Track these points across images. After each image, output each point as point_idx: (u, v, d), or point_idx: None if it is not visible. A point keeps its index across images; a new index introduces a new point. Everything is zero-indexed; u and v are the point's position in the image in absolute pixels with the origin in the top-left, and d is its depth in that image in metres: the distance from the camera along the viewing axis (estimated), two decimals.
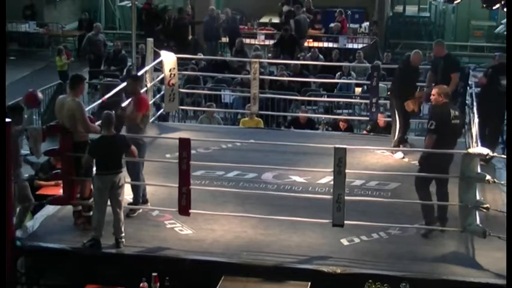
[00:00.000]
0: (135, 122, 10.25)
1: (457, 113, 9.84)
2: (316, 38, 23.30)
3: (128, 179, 10.03)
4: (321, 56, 20.85)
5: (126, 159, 9.87)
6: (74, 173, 9.88)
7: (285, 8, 24.31)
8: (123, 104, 10.95)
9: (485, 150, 9.30)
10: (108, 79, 18.99)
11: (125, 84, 11.70)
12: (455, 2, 16.20)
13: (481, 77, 12.82)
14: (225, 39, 23.05)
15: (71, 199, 9.98)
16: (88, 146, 9.71)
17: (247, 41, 23.35)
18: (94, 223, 9.53)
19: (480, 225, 9.35)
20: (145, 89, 13.50)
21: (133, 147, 9.67)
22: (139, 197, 10.37)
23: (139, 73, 13.31)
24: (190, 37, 23.53)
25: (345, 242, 9.66)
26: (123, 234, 9.49)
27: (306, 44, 22.53)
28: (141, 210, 10.34)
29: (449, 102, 9.93)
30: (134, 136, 10.15)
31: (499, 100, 12.25)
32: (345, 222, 9.40)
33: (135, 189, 10.34)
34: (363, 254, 9.41)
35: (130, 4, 19.85)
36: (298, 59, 20.31)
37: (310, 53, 21.11)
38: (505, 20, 26.10)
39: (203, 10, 23.85)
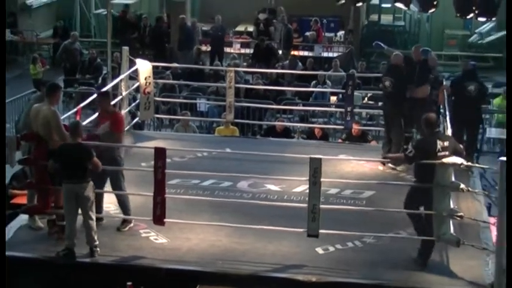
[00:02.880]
0: (111, 141, 10.18)
1: (446, 143, 9.37)
2: (293, 47, 23.38)
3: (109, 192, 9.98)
4: (300, 64, 20.93)
5: (110, 170, 9.81)
6: (49, 181, 9.82)
7: (262, 16, 24.39)
8: (90, 119, 10.88)
9: (459, 160, 9.33)
10: (83, 87, 18.95)
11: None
12: (430, 11, 16.26)
13: (447, 87, 12.89)
14: (205, 48, 23.06)
15: (45, 208, 9.92)
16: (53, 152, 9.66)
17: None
18: (66, 232, 9.48)
19: (454, 234, 9.40)
20: (120, 97, 13.48)
21: (95, 159, 9.54)
22: (129, 210, 10.30)
23: (111, 84, 13.31)
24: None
25: (320, 250, 9.67)
26: (97, 243, 9.46)
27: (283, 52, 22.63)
28: (132, 224, 10.27)
29: (438, 131, 9.64)
30: (111, 149, 10.10)
31: (470, 106, 12.38)
32: (320, 231, 9.41)
33: (122, 203, 10.28)
34: (337, 262, 9.43)
35: (105, 12, 19.83)
36: (275, 68, 20.37)
37: (288, 61, 21.19)
38: (479, 29, 26.43)
39: (178, 18, 23.85)
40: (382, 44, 12.89)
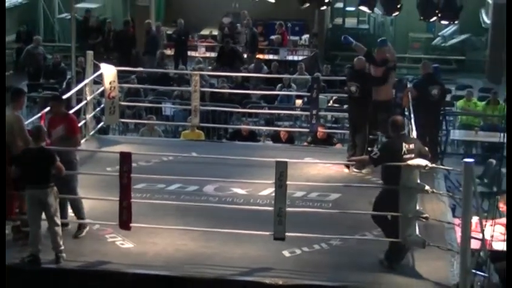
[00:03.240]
0: (69, 145, 10.10)
1: (412, 146, 9.40)
2: (258, 50, 23.42)
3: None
4: (265, 67, 20.97)
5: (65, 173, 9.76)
6: (12, 187, 9.73)
7: (226, 20, 24.40)
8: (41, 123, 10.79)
9: (424, 162, 9.40)
10: (47, 92, 18.81)
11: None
12: (394, 14, 16.36)
13: (411, 89, 12.98)
14: (170, 52, 23.01)
15: (9, 214, 9.83)
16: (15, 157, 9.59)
17: (188, 53, 23.41)
18: (30, 238, 9.41)
19: (420, 235, 9.47)
20: (84, 102, 13.41)
21: (59, 163, 9.47)
22: (83, 214, 10.22)
23: (75, 89, 13.24)
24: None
25: (286, 253, 9.69)
26: (62, 248, 9.39)
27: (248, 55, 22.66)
28: (87, 228, 10.19)
29: (403, 134, 9.68)
30: (67, 152, 10.01)
31: (433, 109, 12.51)
32: (287, 234, 9.43)
33: (75, 207, 10.21)
34: (304, 265, 9.45)
35: (69, 16, 19.71)
36: (240, 71, 20.39)
37: (253, 64, 21.22)
38: (442, 32, 26.67)
39: (143, 23, 23.79)
40: (350, 39, 12.91)
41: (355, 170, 12.27)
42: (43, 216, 9.43)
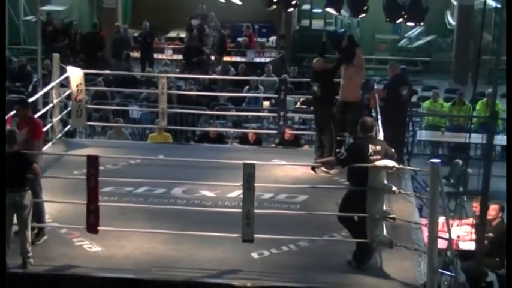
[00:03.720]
0: (31, 148, 10.00)
1: (378, 147, 9.42)
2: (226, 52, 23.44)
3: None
4: (232, 69, 20.98)
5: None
6: None
7: (195, 22, 24.38)
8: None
9: (391, 163, 9.45)
10: (13, 95, 18.63)
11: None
12: (360, 16, 16.45)
13: (380, 91, 13.05)
14: (137, 54, 22.94)
15: None
16: None
17: (155, 55, 23.36)
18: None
19: (387, 236, 9.52)
20: (51, 105, 13.32)
21: (36, 166, 9.44)
22: (44, 220, 10.10)
23: (42, 92, 13.13)
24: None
25: (255, 255, 9.69)
26: (31, 254, 9.31)
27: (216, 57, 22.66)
28: (46, 237, 10.05)
29: (370, 135, 9.65)
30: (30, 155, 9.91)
31: (402, 110, 12.60)
32: (255, 236, 9.44)
33: (37, 212, 10.07)
34: (273, 266, 9.46)
35: (35, 19, 19.57)
36: (208, 73, 20.39)
37: (220, 67, 21.22)
38: (408, 33, 26.88)
39: (110, 25, 23.71)
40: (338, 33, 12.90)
41: (325, 170, 12.31)
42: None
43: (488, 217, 11.01)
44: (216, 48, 22.82)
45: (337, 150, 11.86)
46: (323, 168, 12.32)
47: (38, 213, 10.01)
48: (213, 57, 22.68)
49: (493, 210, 11.18)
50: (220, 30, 23.15)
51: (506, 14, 10.28)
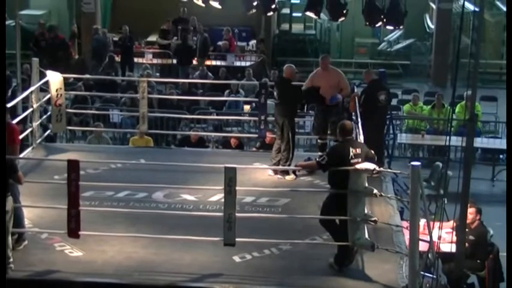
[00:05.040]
0: (8, 154, 9.90)
1: (358, 150, 9.47)
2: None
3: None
4: (210, 74, 20.97)
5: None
6: None
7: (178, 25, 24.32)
8: None
9: (371, 166, 9.48)
10: None
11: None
12: (340, 20, 16.50)
13: (359, 95, 13.08)
14: (117, 58, 22.87)
15: None
16: None
17: (135, 59, 23.31)
18: None
19: (368, 238, 9.55)
20: (31, 109, 13.27)
21: (20, 173, 9.38)
22: (23, 226, 10.02)
23: (21, 96, 13.06)
24: (77, 56, 23.26)
25: (237, 259, 9.70)
26: (11, 260, 9.24)
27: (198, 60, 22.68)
28: (26, 242, 9.99)
29: (351, 139, 9.70)
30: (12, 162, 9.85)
31: (380, 114, 12.66)
32: (237, 239, 9.44)
33: (17, 216, 9.97)
34: (255, 270, 9.47)
35: (14, 23, 19.45)
36: (187, 78, 20.39)
37: (199, 71, 21.21)
38: (387, 37, 26.99)
39: (90, 30, 23.64)
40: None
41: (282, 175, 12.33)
42: None
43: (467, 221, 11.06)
44: (198, 51, 22.77)
45: (320, 153, 11.88)
46: (279, 174, 12.33)
47: (18, 218, 9.94)
48: (194, 61, 22.68)
49: (469, 214, 11.23)
50: (202, 33, 23.14)
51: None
